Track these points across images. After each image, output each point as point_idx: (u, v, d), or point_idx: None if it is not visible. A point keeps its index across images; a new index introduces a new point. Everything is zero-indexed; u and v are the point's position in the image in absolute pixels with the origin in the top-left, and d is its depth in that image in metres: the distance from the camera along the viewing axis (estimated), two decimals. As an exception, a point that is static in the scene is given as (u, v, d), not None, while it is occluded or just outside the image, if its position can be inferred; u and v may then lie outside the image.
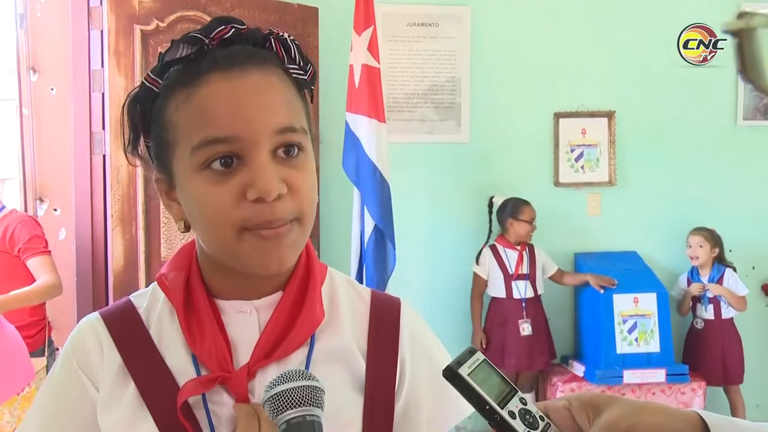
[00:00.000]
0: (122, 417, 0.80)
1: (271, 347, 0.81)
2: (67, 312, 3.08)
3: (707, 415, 0.62)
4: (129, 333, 0.84)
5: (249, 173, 0.74)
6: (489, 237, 3.76)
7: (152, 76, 0.79)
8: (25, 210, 3.12)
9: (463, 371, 0.63)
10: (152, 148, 0.82)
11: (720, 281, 3.68)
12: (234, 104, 0.74)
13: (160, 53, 0.79)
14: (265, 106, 0.75)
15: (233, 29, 0.78)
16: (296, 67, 0.81)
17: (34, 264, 2.70)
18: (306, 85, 0.83)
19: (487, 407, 0.62)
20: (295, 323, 0.82)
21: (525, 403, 0.63)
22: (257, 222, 0.74)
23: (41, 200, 3.18)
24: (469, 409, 0.88)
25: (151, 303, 0.87)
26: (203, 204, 0.76)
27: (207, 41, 0.77)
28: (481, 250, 3.72)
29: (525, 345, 3.58)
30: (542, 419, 0.63)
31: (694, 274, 3.76)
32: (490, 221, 3.77)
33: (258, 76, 0.76)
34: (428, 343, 0.92)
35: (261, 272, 0.78)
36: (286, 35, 0.81)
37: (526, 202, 3.66)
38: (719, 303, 3.67)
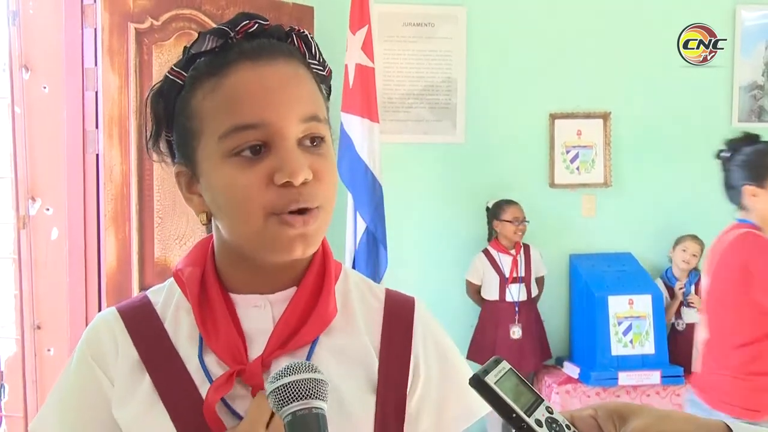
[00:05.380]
0: (138, 411, 0.81)
1: (286, 339, 0.82)
2: (59, 313, 3.05)
3: (734, 424, 0.62)
4: (145, 328, 0.85)
5: (277, 158, 0.76)
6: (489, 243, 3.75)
7: (176, 69, 0.81)
8: (17, 210, 3.08)
9: (490, 380, 0.63)
10: (175, 141, 0.84)
11: (697, 285, 3.68)
12: (263, 91, 0.76)
13: (185, 47, 0.81)
14: (292, 94, 0.78)
15: (257, 24, 0.81)
16: (316, 63, 0.84)
17: None
18: (325, 81, 0.86)
19: (514, 416, 0.62)
20: (309, 317, 0.83)
21: (551, 412, 0.64)
22: (284, 205, 0.76)
23: (33, 199, 3.15)
24: (480, 411, 0.89)
25: (167, 298, 0.88)
26: (231, 189, 0.77)
27: (233, 35, 0.79)
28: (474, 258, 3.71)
29: (515, 347, 3.58)
30: (569, 428, 0.63)
31: (670, 277, 3.77)
32: (489, 227, 3.75)
33: (285, 67, 0.79)
34: (442, 344, 0.92)
35: (284, 257, 0.79)
36: (306, 32, 0.84)
37: (509, 202, 3.65)
38: None
